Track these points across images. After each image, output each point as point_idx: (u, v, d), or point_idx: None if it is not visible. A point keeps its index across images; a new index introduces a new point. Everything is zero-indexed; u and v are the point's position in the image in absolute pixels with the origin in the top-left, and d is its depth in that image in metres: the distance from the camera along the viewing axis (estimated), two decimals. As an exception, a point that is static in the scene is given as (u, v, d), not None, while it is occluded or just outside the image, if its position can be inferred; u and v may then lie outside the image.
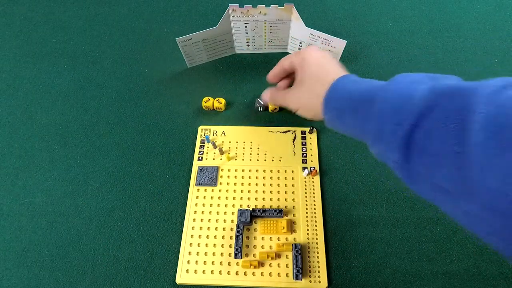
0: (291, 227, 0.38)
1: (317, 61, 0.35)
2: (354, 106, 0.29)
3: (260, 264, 0.36)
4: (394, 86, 0.26)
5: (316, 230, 0.38)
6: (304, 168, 0.42)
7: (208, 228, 0.39)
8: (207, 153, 0.44)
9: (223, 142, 0.45)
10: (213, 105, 0.47)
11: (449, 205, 0.23)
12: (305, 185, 0.41)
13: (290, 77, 0.41)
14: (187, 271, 0.36)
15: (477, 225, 0.21)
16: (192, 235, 0.38)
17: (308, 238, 0.38)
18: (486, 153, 0.19)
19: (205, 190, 0.41)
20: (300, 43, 0.50)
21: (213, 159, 0.43)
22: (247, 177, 0.42)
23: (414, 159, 0.23)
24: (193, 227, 0.39)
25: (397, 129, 0.24)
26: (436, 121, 0.22)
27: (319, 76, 0.34)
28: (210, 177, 0.42)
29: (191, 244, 0.38)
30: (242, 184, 0.41)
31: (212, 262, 0.37)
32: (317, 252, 0.37)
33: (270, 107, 0.47)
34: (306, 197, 0.40)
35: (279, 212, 0.38)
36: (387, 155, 0.26)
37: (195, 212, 0.40)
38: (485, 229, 0.21)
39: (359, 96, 0.29)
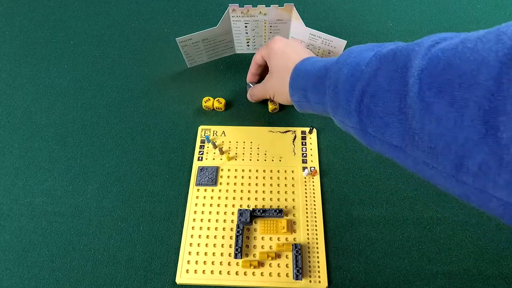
0: (291, 227, 0.38)
1: (281, 50, 0.39)
2: (314, 82, 0.32)
3: (260, 264, 0.36)
4: (345, 58, 0.28)
5: (316, 230, 0.38)
6: (304, 168, 0.42)
7: (208, 228, 0.39)
8: (207, 153, 0.44)
9: (223, 142, 0.45)
10: (213, 105, 0.47)
11: (408, 162, 0.24)
12: (305, 185, 0.41)
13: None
14: (187, 271, 0.36)
15: (431, 175, 0.22)
16: (192, 235, 0.38)
17: (308, 238, 0.38)
18: (423, 102, 0.20)
19: (205, 190, 0.41)
20: (300, 43, 0.50)
21: (213, 159, 0.43)
22: (247, 177, 0.42)
23: (365, 122, 0.25)
24: (193, 227, 0.39)
25: (350, 96, 0.26)
26: (380, 84, 0.24)
27: (284, 64, 0.38)
28: (210, 177, 0.42)
29: (191, 244, 0.38)
30: (242, 184, 0.41)
31: (212, 262, 0.37)
32: (317, 252, 0.37)
33: (270, 107, 0.47)
34: (306, 197, 0.40)
35: (279, 212, 0.38)
36: (346, 122, 0.28)
37: (195, 212, 0.40)
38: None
39: (317, 73, 0.31)
